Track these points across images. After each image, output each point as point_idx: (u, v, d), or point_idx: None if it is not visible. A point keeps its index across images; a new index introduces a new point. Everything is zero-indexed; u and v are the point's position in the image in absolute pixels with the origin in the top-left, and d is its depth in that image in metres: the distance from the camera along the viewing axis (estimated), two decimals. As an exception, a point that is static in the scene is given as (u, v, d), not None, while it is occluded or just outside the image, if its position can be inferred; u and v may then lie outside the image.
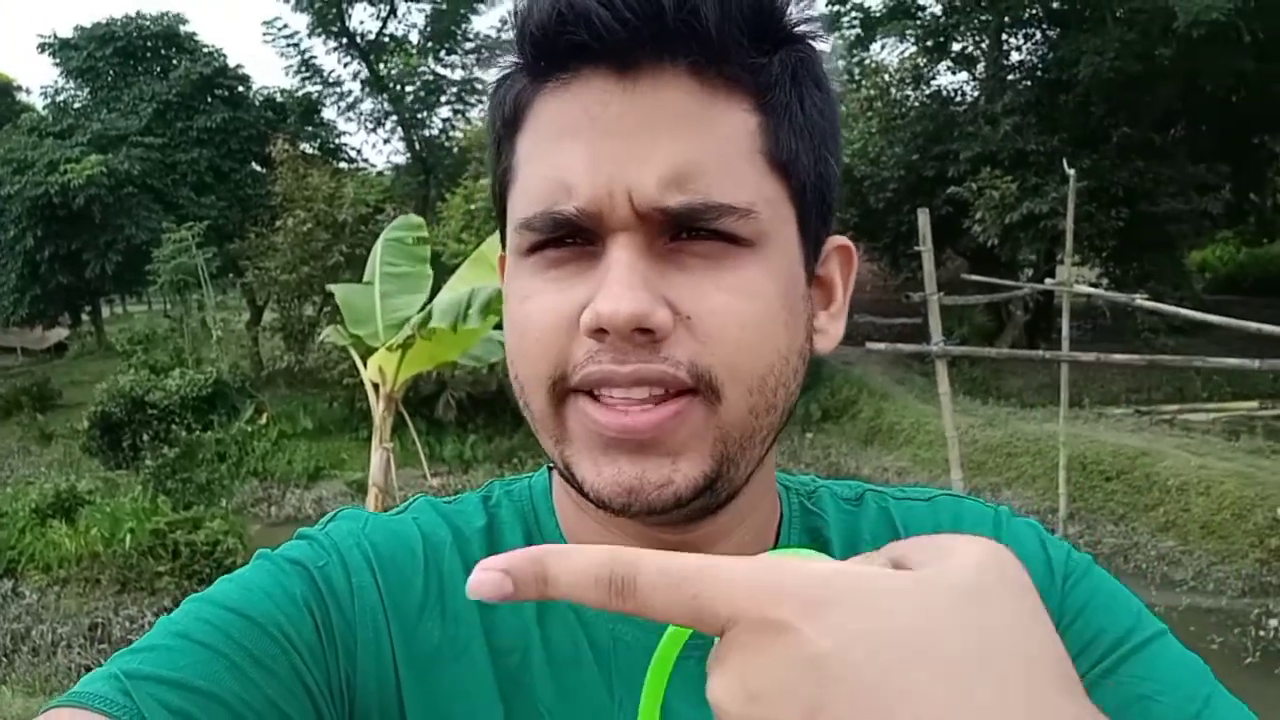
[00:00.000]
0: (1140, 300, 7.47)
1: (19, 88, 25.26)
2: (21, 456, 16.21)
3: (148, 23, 20.99)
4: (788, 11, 0.53)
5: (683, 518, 0.54)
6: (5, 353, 27.50)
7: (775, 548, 0.62)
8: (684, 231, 0.51)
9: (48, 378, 19.46)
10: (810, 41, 0.55)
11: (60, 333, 26.19)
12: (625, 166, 0.50)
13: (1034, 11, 14.62)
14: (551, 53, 0.51)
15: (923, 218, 5.60)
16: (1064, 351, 7.23)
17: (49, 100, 22.23)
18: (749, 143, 0.52)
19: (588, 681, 0.56)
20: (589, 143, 0.50)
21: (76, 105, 21.46)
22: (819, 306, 0.59)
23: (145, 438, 11.93)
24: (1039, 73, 14.72)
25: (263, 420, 13.75)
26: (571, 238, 0.52)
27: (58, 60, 21.28)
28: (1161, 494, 8.50)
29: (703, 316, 0.50)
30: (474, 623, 0.57)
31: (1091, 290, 9.75)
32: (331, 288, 5.75)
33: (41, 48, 21.19)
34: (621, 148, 0.50)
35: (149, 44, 20.97)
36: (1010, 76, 14.99)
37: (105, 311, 26.94)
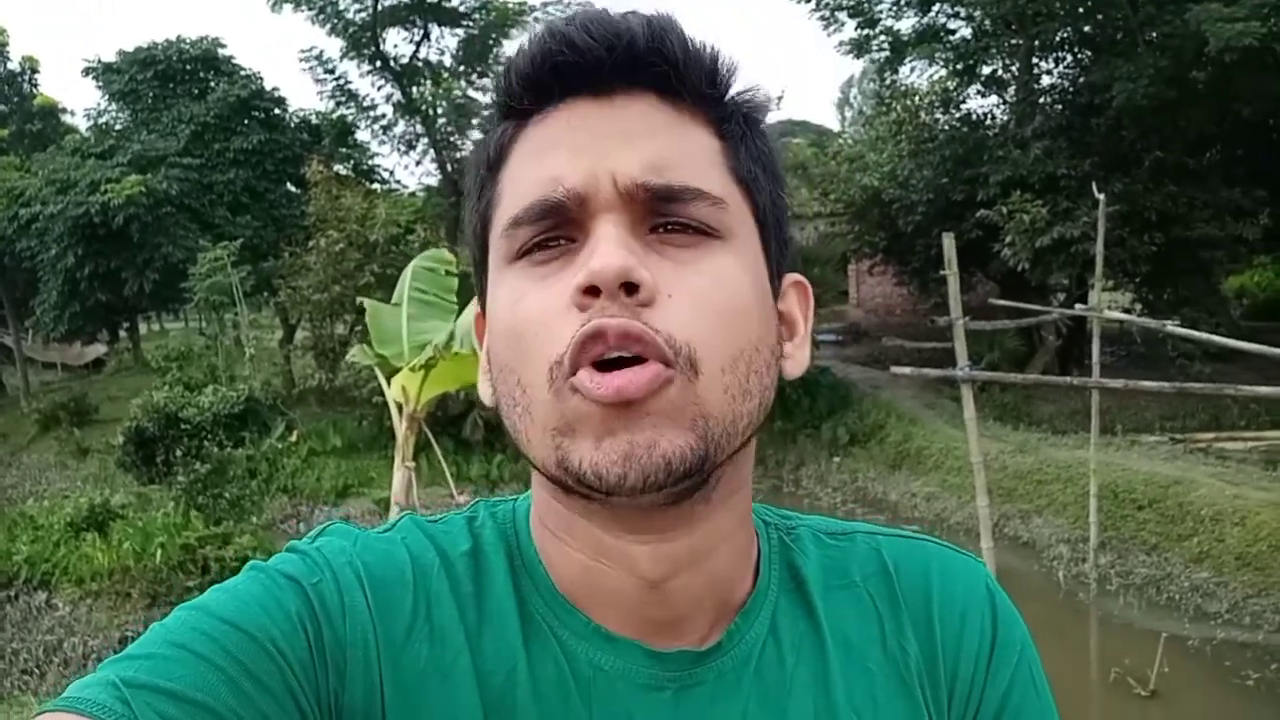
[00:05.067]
0: (1172, 327, 7.38)
1: (64, 110, 25.85)
2: (58, 470, 16.49)
3: (187, 46, 21.41)
4: (733, 78, 0.59)
5: (670, 496, 0.55)
6: (45, 368, 28.02)
7: (755, 583, 0.64)
8: (662, 226, 0.55)
9: (85, 393, 19.78)
10: (756, 105, 0.61)
11: (98, 349, 26.65)
12: (609, 156, 0.55)
13: (1065, 35, 14.52)
14: (538, 82, 0.56)
15: (948, 242, 5.58)
16: (1093, 378, 7.15)
17: (91, 122, 22.74)
18: (714, 156, 0.58)
19: (572, 711, 0.57)
20: (573, 144, 0.55)
21: (118, 127, 21.91)
22: (784, 338, 0.62)
23: (178, 453, 12.08)
24: (1070, 96, 14.59)
25: (293, 438, 13.88)
26: (557, 232, 0.55)
27: (101, 83, 21.76)
28: (1195, 524, 8.33)
29: (681, 295, 0.54)
30: (460, 646, 0.58)
31: (1122, 316, 9.64)
32: (363, 301, 5.77)
33: (86, 72, 21.70)
34: (604, 145, 0.55)
35: (188, 67, 21.37)
36: (1041, 100, 14.87)
37: (142, 328, 27.40)
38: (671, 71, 0.56)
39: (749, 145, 0.59)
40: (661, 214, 0.55)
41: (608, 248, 0.52)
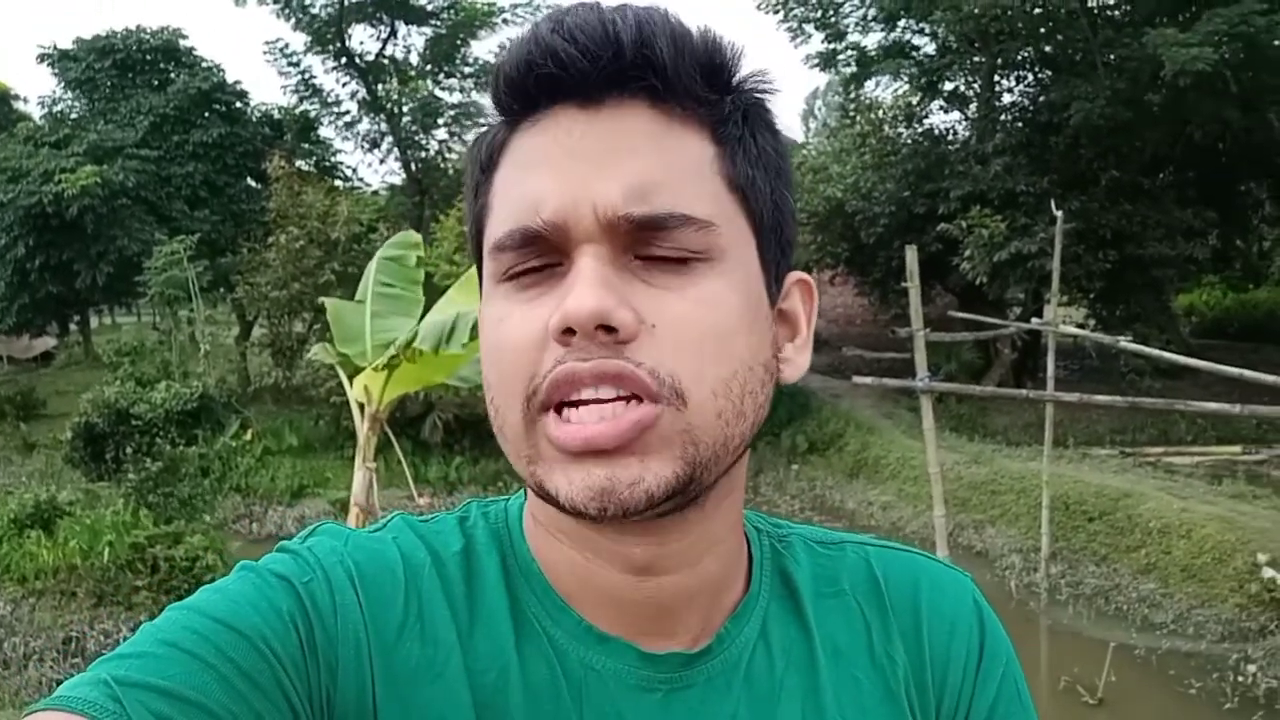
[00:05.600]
0: (1124, 342, 7.54)
1: (16, 96, 25.21)
2: (2, 466, 16.06)
3: (147, 36, 21.03)
4: (735, 68, 0.57)
5: (654, 515, 0.54)
6: (-10, 360, 27.29)
7: (748, 588, 0.65)
8: (646, 248, 0.53)
9: (33, 387, 19.31)
10: (759, 94, 0.59)
11: (47, 342, 26.02)
12: (591, 183, 0.52)
13: (1026, 54, 14.81)
14: (524, 91, 0.54)
15: (910, 254, 5.66)
16: (1048, 391, 7.28)
17: (46, 110, 22.23)
18: (707, 165, 0.55)
19: (563, 711, 0.57)
20: (556, 165, 0.53)
21: (73, 116, 21.45)
22: (784, 339, 0.61)
23: (128, 450, 11.82)
24: (1030, 114, 14.88)
25: (248, 436, 13.67)
26: (541, 259, 0.54)
27: (56, 71, 21.29)
28: (1144, 536, 8.52)
29: (666, 324, 0.52)
30: (452, 645, 0.58)
31: (1076, 331, 9.83)
32: (324, 301, 5.66)
33: (41, 58, 21.20)
34: (587, 168, 0.53)
35: (148, 57, 20.99)
36: (1002, 117, 15.15)
37: (94, 322, 26.81)
38: (660, 82, 0.53)
39: (748, 147, 0.57)
40: (646, 242, 0.53)
41: (583, 287, 0.51)
